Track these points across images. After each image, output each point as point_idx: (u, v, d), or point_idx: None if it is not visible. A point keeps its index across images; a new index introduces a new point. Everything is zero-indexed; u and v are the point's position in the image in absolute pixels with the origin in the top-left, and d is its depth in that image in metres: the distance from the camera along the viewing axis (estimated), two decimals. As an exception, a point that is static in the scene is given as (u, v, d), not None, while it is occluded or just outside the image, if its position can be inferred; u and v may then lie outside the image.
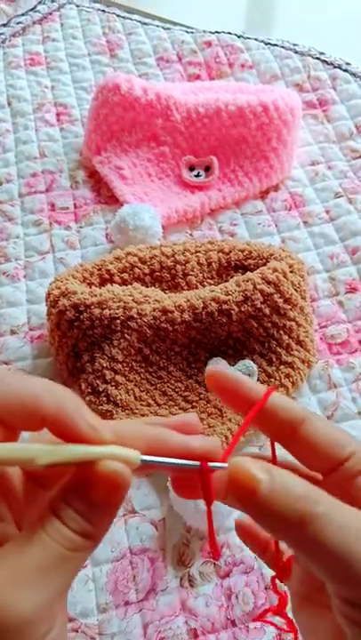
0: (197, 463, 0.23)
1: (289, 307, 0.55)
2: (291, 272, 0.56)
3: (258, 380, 0.55)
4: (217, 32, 0.91)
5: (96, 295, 0.55)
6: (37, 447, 0.21)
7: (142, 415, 0.53)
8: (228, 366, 0.55)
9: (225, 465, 0.23)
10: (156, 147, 0.73)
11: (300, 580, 0.27)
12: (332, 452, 0.24)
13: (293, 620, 0.27)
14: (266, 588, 0.46)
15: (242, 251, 0.60)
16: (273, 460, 0.25)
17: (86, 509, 0.22)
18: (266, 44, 0.89)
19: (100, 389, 0.53)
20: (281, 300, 0.55)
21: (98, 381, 0.53)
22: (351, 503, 0.23)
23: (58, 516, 0.21)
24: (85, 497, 0.22)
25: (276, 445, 0.25)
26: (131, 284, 0.58)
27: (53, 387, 0.23)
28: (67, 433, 0.22)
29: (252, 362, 0.55)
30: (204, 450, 0.24)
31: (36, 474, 0.25)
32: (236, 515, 0.44)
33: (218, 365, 0.26)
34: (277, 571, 0.26)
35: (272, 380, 0.55)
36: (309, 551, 0.21)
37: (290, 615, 0.27)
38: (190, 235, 0.69)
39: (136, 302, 0.54)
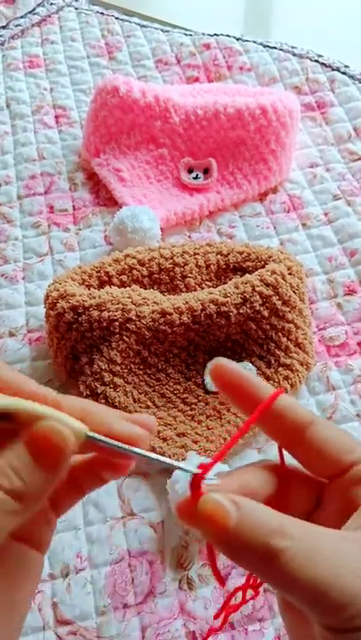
0: (193, 471, 0.23)
1: (288, 309, 0.56)
2: (289, 274, 0.56)
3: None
4: (216, 35, 0.92)
5: (95, 297, 0.55)
6: None
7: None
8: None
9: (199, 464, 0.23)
10: (154, 149, 0.73)
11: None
12: (340, 456, 0.24)
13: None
14: (265, 591, 0.46)
15: (240, 253, 0.60)
16: (281, 464, 0.25)
17: (21, 466, 0.21)
18: (264, 46, 0.89)
19: (99, 391, 0.53)
20: (280, 303, 0.55)
21: (96, 383, 0.53)
22: (348, 510, 0.23)
23: None
24: (22, 453, 0.21)
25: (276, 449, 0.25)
26: (129, 286, 0.58)
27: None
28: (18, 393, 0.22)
29: (250, 364, 0.55)
30: (128, 435, 0.23)
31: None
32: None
33: (224, 359, 0.25)
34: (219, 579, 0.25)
35: (271, 382, 0.55)
36: (281, 585, 0.20)
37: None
38: (189, 237, 0.69)
39: (135, 304, 0.54)
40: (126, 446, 0.23)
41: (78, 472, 0.25)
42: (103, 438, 0.23)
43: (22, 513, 0.21)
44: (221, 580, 0.23)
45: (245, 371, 0.25)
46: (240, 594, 0.28)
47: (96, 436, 0.22)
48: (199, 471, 0.23)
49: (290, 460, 0.25)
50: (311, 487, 0.25)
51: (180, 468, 0.24)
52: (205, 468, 0.23)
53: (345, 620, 0.20)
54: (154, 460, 0.24)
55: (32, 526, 0.24)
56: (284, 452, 0.25)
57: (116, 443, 0.23)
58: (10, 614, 0.23)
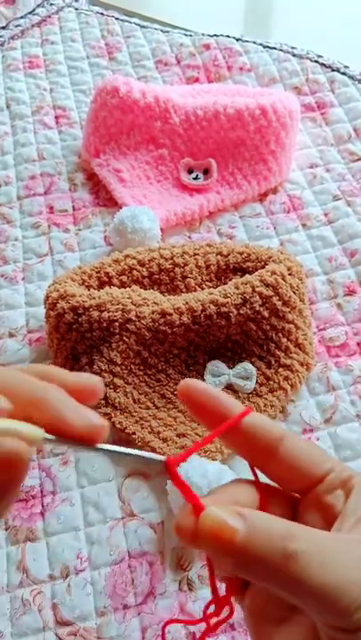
0: (161, 458, 0.23)
1: (288, 309, 0.55)
2: (289, 275, 0.56)
3: (257, 382, 0.55)
4: (215, 35, 0.92)
5: (95, 298, 0.55)
6: None
7: (141, 418, 0.53)
8: (229, 371, 0.55)
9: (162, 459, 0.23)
10: (154, 149, 0.73)
11: (251, 601, 0.25)
12: (312, 469, 0.24)
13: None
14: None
15: (240, 253, 0.60)
16: (255, 480, 0.24)
17: None
18: (264, 47, 0.89)
19: (99, 392, 0.53)
20: (280, 303, 0.55)
21: (96, 384, 0.53)
22: (327, 518, 0.23)
23: None
24: None
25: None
26: (129, 286, 0.58)
27: None
28: None
29: (250, 364, 0.55)
30: (86, 432, 0.22)
31: None
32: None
33: (192, 379, 0.25)
34: (217, 605, 0.24)
35: (271, 382, 0.55)
36: (294, 590, 0.20)
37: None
38: (189, 237, 0.69)
39: (135, 305, 0.54)
40: (84, 445, 0.22)
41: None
42: (61, 440, 0.22)
43: None
44: (218, 600, 0.22)
45: (214, 389, 0.24)
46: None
47: (53, 438, 0.22)
48: (163, 458, 0.22)
49: (261, 476, 0.25)
50: (285, 502, 0.25)
51: (143, 458, 0.23)
52: (178, 458, 0.22)
53: (356, 620, 0.20)
54: (114, 454, 0.23)
55: None
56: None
57: (73, 443, 0.22)
58: None
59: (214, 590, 0.23)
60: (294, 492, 0.25)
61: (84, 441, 0.22)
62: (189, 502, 0.22)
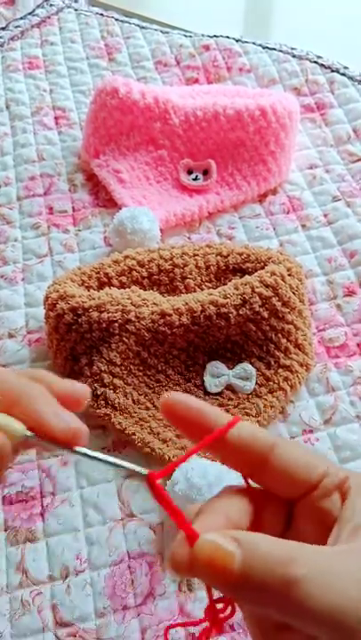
0: (144, 471, 0.22)
1: (287, 310, 0.55)
2: (289, 275, 0.56)
3: (256, 383, 0.55)
4: (215, 36, 0.92)
5: (94, 298, 0.55)
6: None
7: (140, 419, 0.53)
8: (228, 371, 0.55)
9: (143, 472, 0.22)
10: (154, 150, 0.73)
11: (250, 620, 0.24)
12: (306, 475, 0.23)
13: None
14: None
15: (240, 254, 0.60)
16: (248, 488, 0.24)
17: None
18: (264, 47, 0.89)
19: (99, 393, 0.53)
20: (279, 304, 0.55)
21: (96, 385, 0.53)
22: (324, 523, 0.22)
23: None
24: None
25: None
26: (129, 287, 0.58)
27: None
28: None
29: (250, 365, 0.55)
30: (62, 434, 0.23)
31: None
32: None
33: (173, 393, 0.24)
34: (215, 625, 0.23)
35: (270, 383, 0.55)
36: (296, 615, 0.19)
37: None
38: (188, 238, 0.69)
39: (134, 305, 0.54)
40: (63, 447, 0.23)
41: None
42: (41, 440, 0.23)
43: None
44: (213, 605, 0.22)
45: (197, 401, 0.23)
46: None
47: (33, 435, 0.22)
48: (145, 471, 0.22)
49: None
50: (280, 507, 0.24)
51: (124, 468, 0.23)
52: (160, 472, 0.22)
53: None
54: (95, 460, 0.23)
55: None
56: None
57: (54, 444, 0.23)
58: None
59: (210, 595, 0.23)
60: (290, 500, 0.24)
61: (63, 443, 0.22)
62: (178, 526, 0.21)
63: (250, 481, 0.24)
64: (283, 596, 0.19)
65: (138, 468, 0.22)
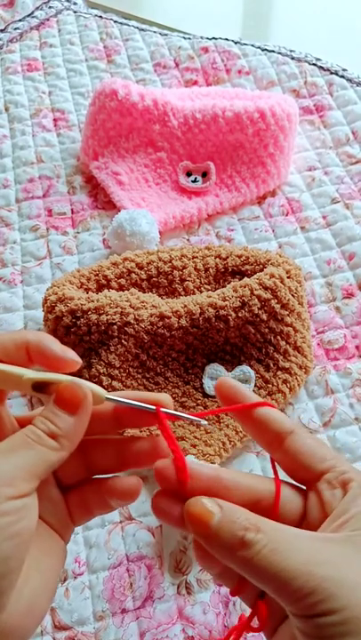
0: (153, 407, 0.28)
1: (286, 312, 0.55)
2: (288, 278, 0.56)
3: (255, 385, 0.55)
4: (214, 38, 0.92)
5: (93, 301, 0.54)
6: (26, 370, 0.28)
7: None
8: (227, 374, 0.55)
9: (177, 413, 0.28)
10: (153, 152, 0.73)
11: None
12: (312, 465, 0.27)
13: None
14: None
15: (239, 256, 0.60)
16: (275, 474, 0.28)
17: (52, 415, 0.27)
18: (263, 50, 0.89)
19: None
20: (278, 306, 0.55)
21: (95, 387, 0.53)
22: (325, 512, 0.26)
23: (33, 423, 0.27)
24: (51, 406, 0.27)
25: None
26: (128, 289, 0.58)
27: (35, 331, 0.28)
28: (45, 354, 0.28)
29: (249, 367, 0.55)
30: (63, 362, 0.29)
31: None
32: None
33: (227, 378, 0.30)
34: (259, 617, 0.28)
35: (269, 385, 0.55)
36: (253, 573, 0.24)
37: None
38: (187, 240, 0.69)
39: (133, 308, 0.54)
40: (136, 403, 0.28)
41: (88, 494, 0.30)
42: (120, 399, 0.28)
43: (60, 450, 0.27)
44: (183, 472, 0.27)
45: (244, 388, 0.30)
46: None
47: (113, 397, 0.28)
48: (153, 408, 0.28)
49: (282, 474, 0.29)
50: (299, 500, 0.28)
51: (135, 406, 0.28)
52: (170, 412, 0.28)
53: (310, 605, 0.22)
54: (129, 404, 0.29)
55: (56, 524, 0.30)
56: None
57: (131, 402, 0.28)
58: (47, 576, 0.28)
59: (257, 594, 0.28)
60: (300, 483, 0.28)
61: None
62: (175, 455, 0.27)
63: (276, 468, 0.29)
64: (240, 553, 0.24)
65: (147, 405, 0.28)
